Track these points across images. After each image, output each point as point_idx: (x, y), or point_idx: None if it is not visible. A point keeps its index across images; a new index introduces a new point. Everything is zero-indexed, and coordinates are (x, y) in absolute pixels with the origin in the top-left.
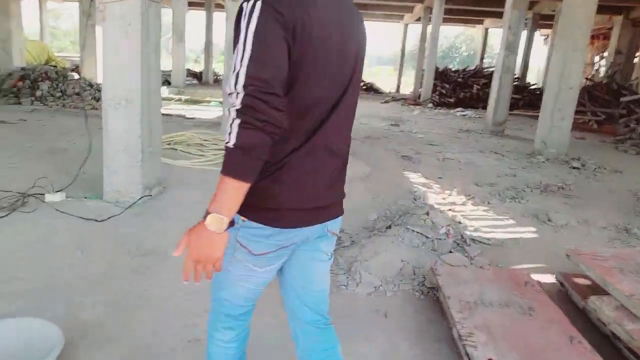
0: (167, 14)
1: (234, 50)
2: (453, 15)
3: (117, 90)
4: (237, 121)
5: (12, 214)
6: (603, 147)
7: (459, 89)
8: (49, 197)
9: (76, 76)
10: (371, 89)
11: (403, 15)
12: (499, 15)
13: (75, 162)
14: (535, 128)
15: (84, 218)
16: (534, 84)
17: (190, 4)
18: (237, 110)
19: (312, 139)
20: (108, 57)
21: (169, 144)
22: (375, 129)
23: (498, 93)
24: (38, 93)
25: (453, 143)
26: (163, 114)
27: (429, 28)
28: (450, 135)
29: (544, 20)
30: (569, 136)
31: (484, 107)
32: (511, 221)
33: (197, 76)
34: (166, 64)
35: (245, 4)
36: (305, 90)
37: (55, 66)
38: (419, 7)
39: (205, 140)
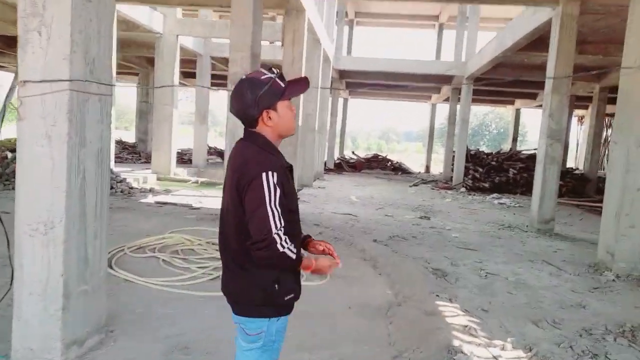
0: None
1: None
2: (482, 96)
3: (33, 212)
4: None
5: None
6: None
7: (493, 172)
8: None
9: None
10: (399, 169)
11: (431, 96)
12: (531, 96)
13: None
14: (586, 222)
15: None
16: (576, 169)
17: (215, 84)
18: None
19: None
20: (23, 168)
21: (153, 251)
22: (401, 223)
23: (543, 186)
24: None
25: (495, 247)
26: (168, 203)
27: (458, 108)
28: (490, 233)
29: (580, 101)
30: None
31: (523, 194)
32: None
33: (222, 154)
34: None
35: None
36: None
37: None
38: (446, 88)
39: (198, 244)
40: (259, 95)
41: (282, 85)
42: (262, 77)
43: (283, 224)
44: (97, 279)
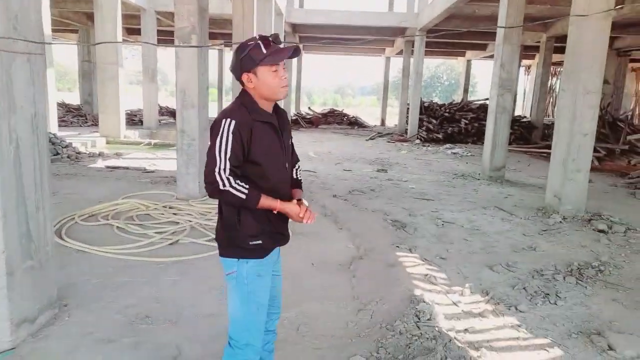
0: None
1: None
2: (434, 48)
3: None
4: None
5: None
6: (617, 194)
7: (446, 123)
8: None
9: None
10: (355, 123)
11: (384, 49)
12: (481, 47)
13: None
14: (533, 168)
15: None
16: (523, 117)
17: (162, 41)
18: None
19: None
20: None
21: (106, 218)
22: (360, 177)
23: (494, 135)
24: None
25: (450, 195)
26: (120, 167)
27: (412, 61)
28: (445, 183)
29: (527, 51)
30: (586, 190)
31: (474, 143)
32: (558, 352)
33: (174, 114)
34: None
35: None
36: None
37: None
38: (399, 41)
39: (154, 209)
40: (240, 58)
41: (264, 51)
42: (248, 43)
43: (228, 166)
44: (43, 253)
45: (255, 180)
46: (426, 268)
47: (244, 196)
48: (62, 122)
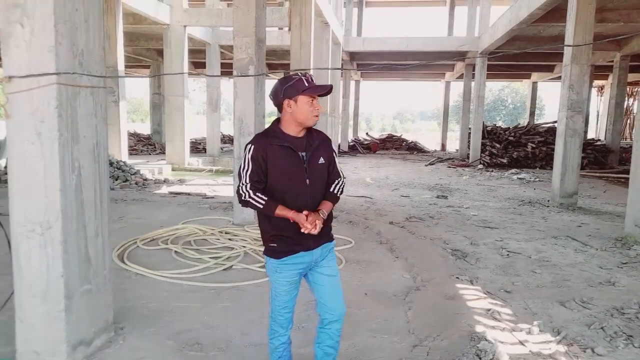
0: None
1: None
2: (497, 71)
3: (28, 213)
4: (343, 184)
5: None
6: None
7: (511, 147)
8: None
9: None
10: (414, 148)
11: (444, 74)
12: (548, 68)
13: None
14: (610, 194)
15: None
16: (597, 140)
17: (225, 73)
18: (344, 180)
19: None
20: (15, 167)
21: (165, 243)
22: (418, 204)
23: (564, 159)
24: None
25: (516, 223)
26: (182, 193)
27: (473, 84)
28: (510, 210)
29: (599, 71)
30: None
31: (542, 167)
32: None
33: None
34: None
35: None
36: None
37: None
38: (460, 65)
39: (211, 234)
40: (285, 87)
41: (306, 84)
42: (293, 76)
43: (249, 181)
44: (101, 277)
45: (275, 193)
46: (489, 302)
47: (261, 205)
48: (133, 151)
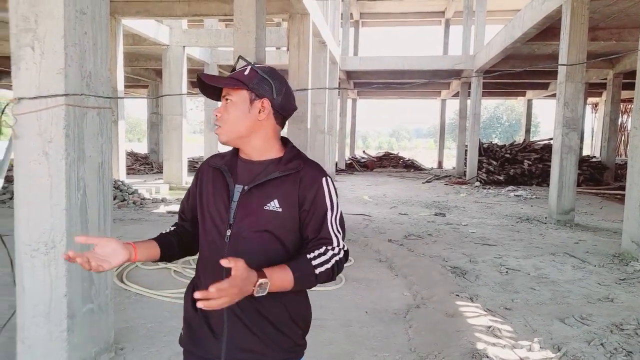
0: None
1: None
2: (492, 89)
3: (33, 232)
4: (338, 260)
5: None
6: None
7: (507, 165)
8: None
9: None
10: (411, 166)
11: (440, 92)
12: (543, 86)
13: None
14: (606, 210)
15: None
16: (592, 157)
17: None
18: (344, 255)
19: None
20: (21, 187)
21: (165, 263)
22: (416, 221)
23: (561, 176)
24: None
25: (514, 240)
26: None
27: (469, 102)
28: (508, 227)
29: (593, 88)
30: None
31: (539, 184)
32: None
33: None
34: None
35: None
36: None
37: None
38: (455, 83)
39: None
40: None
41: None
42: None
43: (179, 211)
44: (103, 297)
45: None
46: (489, 319)
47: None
48: (131, 170)
